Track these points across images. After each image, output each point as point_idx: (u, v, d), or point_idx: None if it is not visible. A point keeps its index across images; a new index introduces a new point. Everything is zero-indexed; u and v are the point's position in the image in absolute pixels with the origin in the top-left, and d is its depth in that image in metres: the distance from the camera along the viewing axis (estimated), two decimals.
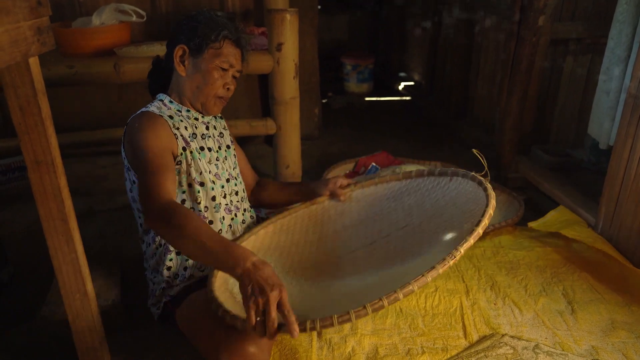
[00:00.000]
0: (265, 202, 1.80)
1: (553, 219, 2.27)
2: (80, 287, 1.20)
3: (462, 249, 1.09)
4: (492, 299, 1.78)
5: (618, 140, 1.99)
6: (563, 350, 1.52)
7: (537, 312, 1.70)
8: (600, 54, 2.49)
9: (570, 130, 2.98)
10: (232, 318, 1.07)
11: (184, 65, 1.50)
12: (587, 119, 2.42)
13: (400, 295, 1.01)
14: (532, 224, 2.26)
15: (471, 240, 1.11)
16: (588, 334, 1.60)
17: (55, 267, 1.16)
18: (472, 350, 1.52)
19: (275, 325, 1.00)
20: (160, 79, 1.60)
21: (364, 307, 1.00)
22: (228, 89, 1.55)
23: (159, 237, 1.49)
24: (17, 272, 1.97)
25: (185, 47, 1.48)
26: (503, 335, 1.58)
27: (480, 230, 1.15)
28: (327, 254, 1.52)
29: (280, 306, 1.01)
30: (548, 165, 2.73)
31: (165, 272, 1.48)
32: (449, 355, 1.52)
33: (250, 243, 1.52)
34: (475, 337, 1.59)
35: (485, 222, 1.17)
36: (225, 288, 1.26)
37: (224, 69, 1.50)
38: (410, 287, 1.02)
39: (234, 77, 1.56)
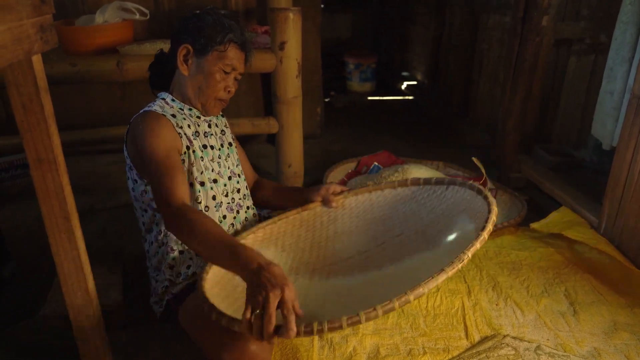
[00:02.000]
0: (259, 202, 1.79)
1: (555, 219, 2.26)
2: (82, 285, 1.20)
3: (470, 253, 1.07)
4: (494, 300, 1.77)
5: (621, 141, 1.98)
6: (565, 351, 1.52)
7: (539, 313, 1.70)
8: (603, 55, 2.49)
9: (573, 130, 2.97)
10: (228, 321, 1.02)
11: (187, 65, 1.49)
12: (590, 119, 2.41)
13: (411, 297, 0.98)
14: (534, 225, 2.26)
15: (477, 245, 1.09)
16: (590, 335, 1.60)
17: (56, 265, 1.16)
18: (474, 351, 1.52)
19: (272, 324, 0.95)
20: (162, 73, 1.60)
21: (374, 309, 0.96)
22: (229, 91, 1.54)
23: (161, 235, 1.49)
24: (19, 270, 1.97)
25: (190, 47, 1.48)
26: (505, 336, 1.58)
27: (486, 235, 1.13)
28: (320, 261, 1.48)
29: (281, 305, 0.97)
30: (550, 166, 2.72)
31: (168, 271, 1.48)
32: (450, 356, 1.51)
33: None
34: (476, 338, 1.59)
35: (489, 227, 1.15)
36: (217, 289, 1.23)
37: (226, 72, 1.50)
38: (421, 289, 0.99)
39: (235, 79, 1.56)
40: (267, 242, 1.54)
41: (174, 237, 1.48)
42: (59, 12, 2.65)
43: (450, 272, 1.03)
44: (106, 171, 2.91)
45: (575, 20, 2.75)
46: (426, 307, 1.73)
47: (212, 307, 1.08)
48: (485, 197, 1.32)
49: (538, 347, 1.52)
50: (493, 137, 3.30)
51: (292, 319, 0.96)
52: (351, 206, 1.64)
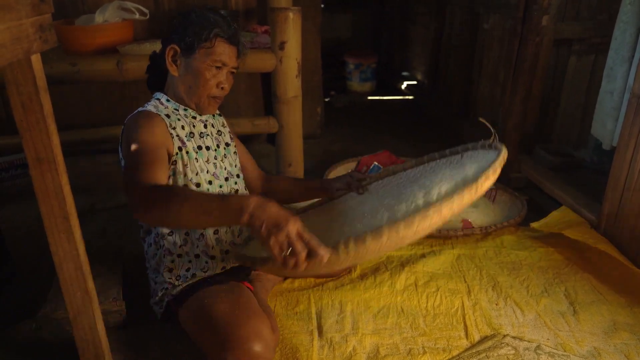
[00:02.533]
0: (280, 197, 1.77)
1: (555, 219, 2.26)
2: (81, 285, 1.20)
3: (490, 175, 1.14)
4: (494, 300, 1.77)
5: (621, 141, 1.98)
6: (565, 351, 1.52)
7: (539, 313, 1.70)
8: (603, 54, 2.48)
9: (574, 130, 2.97)
10: (262, 261, 1.07)
11: (176, 65, 1.48)
12: (590, 119, 2.41)
13: (431, 212, 1.01)
14: (534, 225, 2.26)
15: (491, 173, 1.16)
16: (590, 335, 1.60)
17: (56, 265, 1.16)
18: (474, 351, 1.52)
19: (305, 254, 0.98)
20: (158, 74, 1.59)
21: (396, 222, 0.98)
22: (222, 88, 1.51)
23: (159, 238, 1.48)
24: (18, 270, 1.97)
25: (177, 47, 1.46)
26: (504, 336, 1.58)
27: (498, 167, 1.20)
28: (351, 233, 1.53)
29: (299, 235, 1.00)
30: (551, 166, 2.72)
31: (167, 274, 1.48)
32: (450, 356, 1.51)
33: None
34: (476, 338, 1.59)
35: (503, 156, 1.24)
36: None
37: (217, 67, 1.47)
38: (452, 200, 1.03)
39: (231, 73, 1.53)
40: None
41: (172, 240, 1.47)
42: (58, 11, 2.66)
43: (479, 189, 1.10)
44: (106, 171, 2.91)
45: (575, 20, 2.75)
46: (426, 306, 1.73)
47: (243, 255, 1.15)
48: (496, 147, 1.38)
49: (538, 347, 1.52)
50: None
51: (315, 242, 0.99)
52: (376, 189, 1.69)
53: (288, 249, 0.99)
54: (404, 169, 1.70)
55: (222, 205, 1.06)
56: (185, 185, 1.42)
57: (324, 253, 0.98)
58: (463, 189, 1.08)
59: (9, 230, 2.22)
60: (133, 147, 1.32)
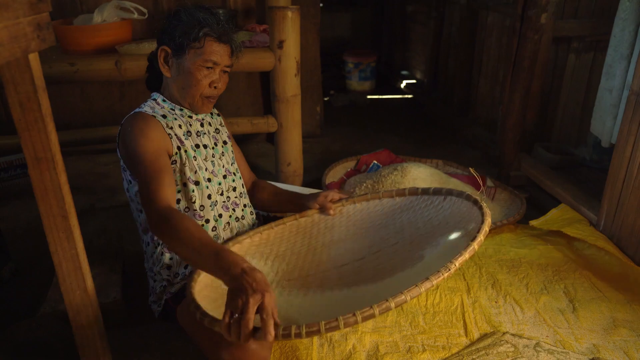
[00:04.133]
0: (258, 205, 1.78)
1: (555, 217, 2.26)
2: (81, 284, 1.20)
3: (457, 263, 1.07)
4: (494, 297, 1.77)
5: (620, 138, 1.98)
6: (564, 348, 1.52)
7: (539, 310, 1.70)
8: (602, 52, 2.48)
9: (573, 128, 2.97)
10: (210, 321, 1.04)
11: (168, 66, 1.47)
12: (589, 116, 2.41)
13: (392, 305, 0.98)
14: (533, 222, 2.26)
15: (466, 255, 1.10)
16: (589, 332, 1.60)
17: (55, 264, 1.16)
18: (473, 348, 1.52)
19: (249, 327, 0.96)
20: (156, 74, 1.58)
21: (354, 314, 0.96)
22: (215, 87, 1.49)
23: (156, 236, 1.49)
24: (18, 268, 1.97)
25: (167, 49, 1.45)
26: (504, 334, 1.58)
27: (476, 246, 1.14)
28: (314, 267, 1.48)
29: (260, 310, 0.98)
30: (550, 163, 2.72)
31: (165, 272, 1.48)
32: (449, 353, 1.51)
33: (234, 251, 1.50)
34: (476, 335, 1.59)
35: (481, 238, 1.17)
36: (207, 292, 1.24)
37: (208, 68, 1.45)
38: (403, 297, 0.99)
39: (225, 72, 1.51)
40: (262, 246, 1.54)
41: None
42: (57, 11, 2.66)
43: (435, 280, 1.03)
44: (106, 170, 2.91)
45: (574, 17, 2.75)
46: (425, 304, 1.73)
47: (198, 306, 1.10)
48: (481, 208, 1.32)
49: (537, 344, 1.52)
50: (493, 136, 3.30)
51: (271, 322, 0.97)
52: (349, 214, 1.64)
53: (239, 315, 0.97)
54: (379, 198, 1.64)
55: (214, 259, 1.08)
56: (190, 220, 1.33)
57: (270, 335, 0.96)
58: (440, 272, 1.06)
59: (9, 230, 2.23)
60: (137, 160, 1.34)
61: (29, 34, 0.92)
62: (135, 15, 2.41)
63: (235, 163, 1.68)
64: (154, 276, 1.52)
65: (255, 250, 1.52)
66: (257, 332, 0.97)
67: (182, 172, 1.45)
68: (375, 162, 2.80)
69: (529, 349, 1.51)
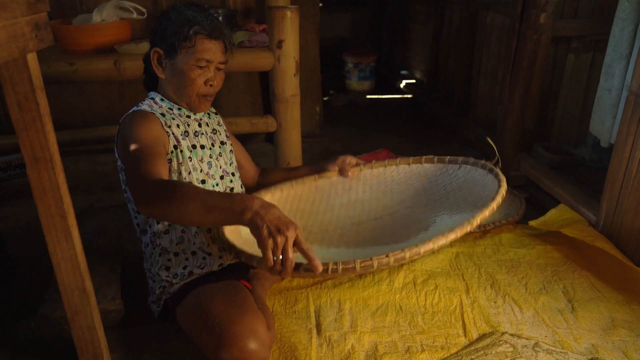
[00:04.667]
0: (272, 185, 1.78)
1: (554, 217, 2.26)
2: (79, 284, 1.20)
3: (479, 219, 1.12)
4: (492, 297, 1.77)
5: (619, 138, 1.98)
6: (563, 348, 1.52)
7: (537, 311, 1.70)
8: (602, 52, 2.48)
9: (572, 128, 2.97)
10: (248, 257, 1.07)
11: (162, 68, 1.46)
12: (588, 116, 2.41)
13: (421, 250, 1.02)
14: (533, 222, 2.26)
15: (486, 213, 1.15)
16: (588, 332, 1.60)
17: (54, 264, 1.16)
18: (472, 348, 1.52)
19: (293, 263, 1.00)
20: (152, 74, 1.55)
21: (386, 255, 0.99)
22: (211, 85, 1.48)
23: (155, 237, 1.48)
24: (17, 269, 1.97)
25: (160, 50, 1.44)
26: (503, 334, 1.58)
27: (494, 206, 1.18)
28: (333, 223, 1.53)
29: (298, 244, 1.00)
30: (549, 163, 2.72)
31: (163, 273, 1.48)
32: (448, 353, 1.51)
33: None
34: (475, 335, 1.59)
35: (499, 200, 1.21)
36: (237, 233, 1.28)
37: (202, 66, 1.43)
38: (431, 245, 1.03)
39: (219, 68, 1.49)
40: (282, 202, 1.60)
41: (168, 239, 1.47)
42: (56, 11, 2.66)
43: (460, 232, 1.08)
44: (105, 170, 2.91)
45: (573, 17, 2.75)
46: (424, 304, 1.73)
47: (232, 245, 1.14)
48: (496, 175, 1.36)
49: (536, 344, 1.52)
50: (493, 135, 3.30)
51: (313, 255, 1.01)
52: (366, 178, 1.70)
53: (280, 254, 0.99)
54: (396, 165, 1.69)
55: (226, 204, 1.06)
56: (189, 182, 1.40)
57: (317, 267, 1.00)
58: (460, 227, 1.10)
59: (7, 230, 2.23)
60: (131, 144, 1.31)
61: (27, 34, 0.92)
62: (135, 15, 2.41)
63: (235, 163, 1.68)
64: (152, 277, 1.52)
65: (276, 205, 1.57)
66: (299, 267, 1.02)
67: (179, 172, 1.44)
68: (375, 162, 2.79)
69: (528, 349, 1.50)
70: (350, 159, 1.72)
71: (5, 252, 1.94)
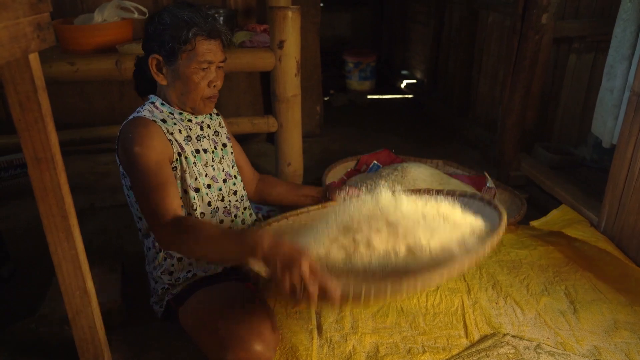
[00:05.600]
0: (269, 199, 1.78)
1: (555, 217, 2.26)
2: (80, 284, 1.20)
3: (488, 248, 1.13)
4: (494, 298, 1.77)
5: (621, 139, 1.97)
6: (565, 350, 1.52)
7: (539, 312, 1.69)
8: (603, 52, 2.48)
9: (573, 128, 2.97)
10: (276, 292, 1.10)
11: (162, 74, 1.42)
12: (590, 117, 2.41)
13: (445, 274, 1.04)
14: (534, 223, 2.25)
15: (495, 239, 1.16)
16: (590, 334, 1.60)
17: (55, 264, 1.16)
18: (473, 350, 1.51)
19: (316, 292, 0.99)
20: (147, 79, 1.50)
21: (415, 278, 1.01)
22: (214, 86, 1.45)
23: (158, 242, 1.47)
24: (17, 269, 1.97)
25: (158, 57, 1.39)
26: (504, 335, 1.57)
27: (500, 233, 1.20)
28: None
29: (313, 273, 1.00)
30: (551, 164, 2.72)
31: (166, 277, 1.47)
32: (450, 355, 1.51)
33: None
34: (476, 337, 1.58)
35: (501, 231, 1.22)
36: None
37: (204, 69, 1.41)
38: (450, 268, 1.04)
39: (220, 67, 1.47)
40: (287, 230, 1.58)
41: None
42: (57, 11, 2.65)
43: (467, 262, 1.09)
44: (106, 170, 2.91)
45: (575, 18, 2.75)
46: (426, 305, 1.73)
47: (261, 277, 1.14)
48: (495, 207, 1.38)
49: (538, 346, 1.52)
50: (493, 135, 3.29)
51: (330, 283, 1.00)
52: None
53: (301, 290, 1.00)
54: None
55: (239, 245, 1.10)
56: (202, 222, 1.34)
57: (337, 296, 0.99)
58: (471, 254, 1.12)
59: (8, 230, 2.22)
60: (138, 168, 1.31)
61: (29, 34, 0.92)
62: (136, 15, 2.41)
63: (235, 166, 1.67)
64: (155, 278, 1.52)
65: (282, 233, 1.56)
66: (321, 296, 1.01)
67: (183, 179, 1.43)
68: (375, 162, 2.79)
69: (530, 350, 1.50)
70: (352, 192, 1.67)
71: (5, 252, 1.93)
